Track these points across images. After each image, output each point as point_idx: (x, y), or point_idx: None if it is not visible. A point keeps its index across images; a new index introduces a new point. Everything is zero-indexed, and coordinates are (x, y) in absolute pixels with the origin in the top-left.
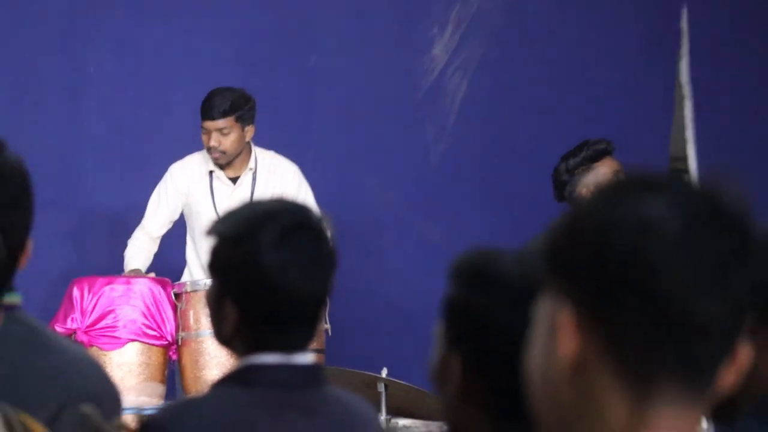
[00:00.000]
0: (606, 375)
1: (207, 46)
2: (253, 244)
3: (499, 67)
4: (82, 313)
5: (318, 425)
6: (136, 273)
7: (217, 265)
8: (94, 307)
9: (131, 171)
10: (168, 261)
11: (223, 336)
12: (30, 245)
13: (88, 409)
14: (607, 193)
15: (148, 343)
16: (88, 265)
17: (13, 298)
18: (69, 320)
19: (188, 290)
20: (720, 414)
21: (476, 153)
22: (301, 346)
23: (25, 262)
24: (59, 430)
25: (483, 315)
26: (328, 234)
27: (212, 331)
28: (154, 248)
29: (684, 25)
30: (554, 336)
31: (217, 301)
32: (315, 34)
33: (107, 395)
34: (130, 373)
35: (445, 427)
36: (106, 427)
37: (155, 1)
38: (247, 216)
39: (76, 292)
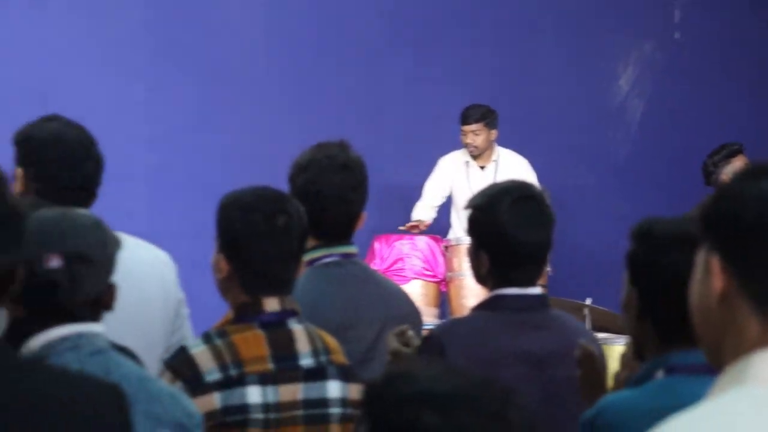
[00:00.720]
0: (743, 304)
1: (463, 79)
2: (494, 211)
3: (663, 93)
4: (381, 259)
5: (544, 335)
6: (418, 222)
7: (473, 227)
8: (389, 256)
9: (415, 160)
10: (440, 224)
11: (479, 276)
12: (365, 215)
13: (406, 327)
14: (740, 177)
15: (426, 280)
16: (385, 226)
17: (351, 249)
18: (372, 264)
19: (453, 244)
20: None
21: (650, 151)
22: (531, 282)
23: (361, 225)
24: (382, 341)
25: (647, 261)
26: (547, 202)
27: (472, 272)
28: (432, 213)
29: None
30: (707, 277)
31: (474, 252)
32: (544, 71)
33: (414, 315)
34: (414, 301)
35: (629, 340)
36: (415, 341)
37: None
38: (490, 193)
39: (376, 245)
